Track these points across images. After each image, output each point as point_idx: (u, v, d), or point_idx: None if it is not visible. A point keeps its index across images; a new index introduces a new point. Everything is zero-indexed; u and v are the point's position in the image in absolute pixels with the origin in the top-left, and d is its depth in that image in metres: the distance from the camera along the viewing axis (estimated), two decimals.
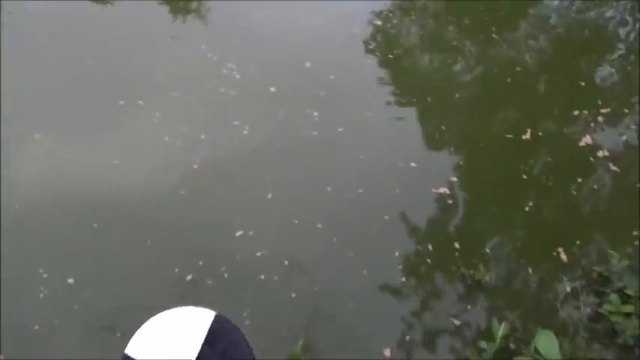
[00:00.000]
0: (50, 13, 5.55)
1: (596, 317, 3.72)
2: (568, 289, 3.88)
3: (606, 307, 3.64)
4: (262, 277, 3.69)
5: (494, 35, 5.72)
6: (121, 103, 4.79)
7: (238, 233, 3.90)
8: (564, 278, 3.94)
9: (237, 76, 5.06)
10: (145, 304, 2.84)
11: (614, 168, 4.63)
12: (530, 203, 4.36)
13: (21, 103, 4.67)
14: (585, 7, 6.31)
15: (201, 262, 3.71)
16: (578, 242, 4.15)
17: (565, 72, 5.44)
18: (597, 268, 3.94)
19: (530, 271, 3.98)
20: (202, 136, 4.59)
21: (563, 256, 4.06)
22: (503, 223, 4.29)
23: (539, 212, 4.35)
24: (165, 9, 5.89)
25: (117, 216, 3.94)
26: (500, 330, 3.38)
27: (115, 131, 4.53)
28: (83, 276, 3.62)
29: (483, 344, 3.47)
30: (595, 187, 4.53)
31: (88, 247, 3.80)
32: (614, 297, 3.64)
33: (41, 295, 3.54)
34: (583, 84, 5.25)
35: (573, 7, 6.35)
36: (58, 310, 3.48)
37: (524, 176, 4.56)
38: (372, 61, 5.39)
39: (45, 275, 3.62)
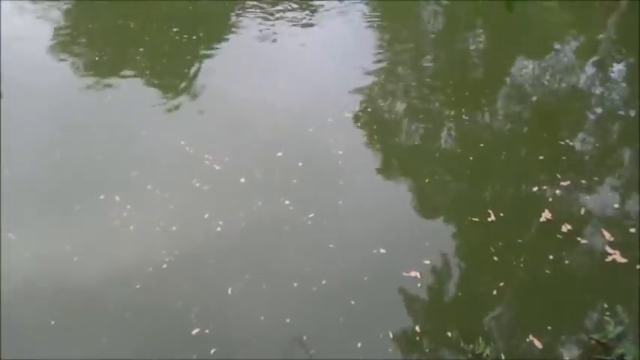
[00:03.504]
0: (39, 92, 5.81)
1: None
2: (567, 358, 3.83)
3: None
4: None
5: (463, 115, 5.95)
6: (102, 197, 4.88)
7: (195, 331, 3.85)
8: (562, 350, 3.90)
9: (215, 167, 5.20)
10: None
11: (583, 241, 4.65)
12: (502, 284, 4.35)
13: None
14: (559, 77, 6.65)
15: None
16: (550, 327, 4.08)
17: (526, 145, 5.59)
18: (595, 336, 3.91)
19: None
20: (173, 228, 4.65)
21: (537, 343, 3.99)
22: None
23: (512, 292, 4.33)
24: (151, 96, 6.16)
25: (73, 311, 3.94)
26: None
27: (82, 225, 4.60)
28: None
29: None
30: (566, 262, 4.53)
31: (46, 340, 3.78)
32: None
33: None
34: (542, 157, 5.37)
35: (546, 76, 6.67)
36: None
37: (495, 258, 4.57)
38: (347, 147, 5.54)
39: None
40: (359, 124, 5.78)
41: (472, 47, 7.55)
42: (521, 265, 4.53)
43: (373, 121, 5.91)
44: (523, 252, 4.60)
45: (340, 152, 5.37)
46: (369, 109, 6.05)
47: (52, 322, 3.91)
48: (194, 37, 7.27)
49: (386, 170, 5.33)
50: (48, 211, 4.77)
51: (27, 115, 5.80)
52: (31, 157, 5.28)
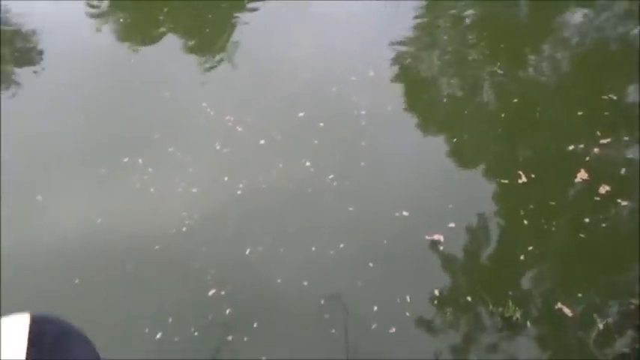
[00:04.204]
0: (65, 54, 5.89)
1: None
2: (601, 326, 3.62)
3: None
4: (230, 338, 3.61)
5: (497, 69, 5.59)
6: (126, 160, 4.93)
7: (211, 292, 3.87)
8: (595, 315, 3.69)
9: (237, 129, 5.13)
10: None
11: (623, 203, 4.33)
12: (530, 248, 4.13)
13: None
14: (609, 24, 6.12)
15: (170, 319, 3.72)
16: (582, 293, 3.86)
17: (564, 100, 5.21)
18: (635, 301, 3.70)
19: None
20: (194, 190, 4.64)
21: (567, 310, 3.79)
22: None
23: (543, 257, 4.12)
24: (178, 58, 6.11)
25: (96, 270, 4.04)
26: None
27: (106, 187, 4.67)
28: None
29: None
30: (604, 225, 4.25)
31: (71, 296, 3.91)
32: None
33: None
34: (581, 113, 5.00)
35: (595, 23, 6.15)
36: None
37: (525, 221, 4.33)
38: (374, 106, 5.35)
39: None
40: (383, 83, 5.52)
41: None
42: (553, 228, 4.28)
43: (398, 80, 5.64)
44: (556, 215, 4.34)
45: (363, 112, 5.16)
46: (395, 68, 5.77)
47: (77, 281, 4.02)
48: None
49: (410, 131, 5.10)
50: (75, 174, 4.86)
51: (55, 77, 5.90)
52: (59, 119, 5.37)
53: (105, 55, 6.18)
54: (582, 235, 4.23)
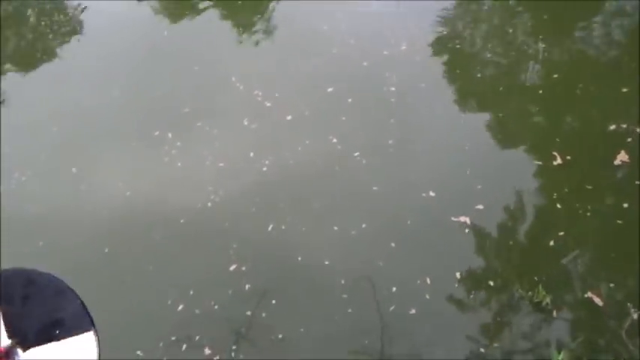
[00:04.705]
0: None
1: None
2: (635, 316, 3.51)
3: None
4: (248, 313, 3.66)
5: (538, 42, 5.28)
6: (156, 133, 5.00)
7: (232, 267, 3.91)
8: (629, 305, 3.57)
9: (265, 104, 5.10)
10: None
11: None
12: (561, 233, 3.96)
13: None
14: None
15: (191, 292, 3.80)
16: (616, 282, 3.69)
17: (608, 76, 4.89)
18: None
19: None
20: (221, 164, 4.67)
21: (597, 300, 3.64)
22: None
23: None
24: (210, 30, 6.12)
25: (124, 240, 4.17)
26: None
27: (136, 161, 4.77)
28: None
29: None
30: None
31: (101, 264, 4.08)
32: None
33: None
34: (625, 90, 4.68)
35: None
36: None
37: (559, 205, 4.15)
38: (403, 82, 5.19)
39: None
40: (415, 59, 5.34)
41: None
42: (589, 214, 4.08)
43: (430, 55, 5.44)
44: (592, 199, 4.13)
45: (393, 89, 5.02)
46: (427, 42, 5.56)
47: (106, 250, 4.15)
48: None
49: (442, 109, 4.93)
50: (107, 147, 4.96)
51: (92, 50, 6.01)
52: (94, 92, 5.48)
53: (141, 28, 6.23)
54: (620, 222, 4.03)
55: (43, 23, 6.54)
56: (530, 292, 3.69)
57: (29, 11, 6.66)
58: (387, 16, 5.87)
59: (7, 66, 6.02)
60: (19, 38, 6.43)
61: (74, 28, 6.45)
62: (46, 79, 5.79)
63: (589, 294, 3.66)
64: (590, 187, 4.19)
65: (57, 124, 5.16)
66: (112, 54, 5.89)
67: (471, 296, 3.73)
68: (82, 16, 6.55)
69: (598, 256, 3.94)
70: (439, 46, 5.54)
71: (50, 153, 4.90)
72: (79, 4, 6.67)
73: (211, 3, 6.53)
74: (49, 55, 6.14)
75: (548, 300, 3.63)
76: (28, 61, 6.07)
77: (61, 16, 6.62)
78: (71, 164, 4.79)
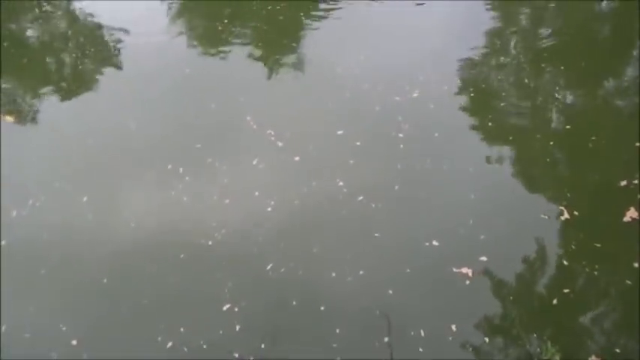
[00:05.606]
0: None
1: None
2: None
3: None
4: (236, 355, 3.62)
5: (555, 93, 5.23)
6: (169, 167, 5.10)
7: (225, 307, 3.90)
8: None
9: (278, 144, 5.17)
10: None
11: None
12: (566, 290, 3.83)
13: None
14: None
15: (182, 329, 3.79)
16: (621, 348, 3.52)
17: (623, 129, 4.78)
18: None
19: None
20: (226, 201, 4.72)
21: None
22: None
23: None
24: (226, 69, 6.28)
25: (123, 272, 4.22)
26: None
27: (144, 193, 4.85)
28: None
29: None
30: None
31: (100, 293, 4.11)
32: None
33: None
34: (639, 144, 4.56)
35: None
36: None
37: (565, 262, 4.02)
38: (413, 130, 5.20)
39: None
40: (425, 107, 5.36)
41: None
42: (596, 272, 3.94)
43: (439, 106, 5.44)
44: (600, 257, 4.00)
45: (401, 135, 5.03)
46: (439, 93, 5.58)
47: (105, 280, 4.20)
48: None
49: (449, 158, 4.89)
50: (119, 178, 5.07)
51: (111, 83, 6.23)
52: (109, 124, 5.64)
53: (163, 65, 6.44)
54: (629, 282, 3.87)
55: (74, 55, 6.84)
56: (538, 349, 3.59)
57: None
58: (403, 62, 5.94)
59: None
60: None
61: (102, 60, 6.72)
62: (68, 107, 5.98)
63: (592, 358, 3.50)
64: (598, 245, 4.06)
65: (74, 152, 5.31)
66: (132, 88, 6.08)
67: (466, 349, 3.62)
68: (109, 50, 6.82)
69: (605, 317, 3.78)
70: (453, 95, 5.56)
71: (65, 180, 5.04)
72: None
73: (239, 41, 6.74)
74: (72, 85, 6.38)
75: (557, 358, 3.51)
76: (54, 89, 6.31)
77: (92, 49, 6.92)
78: (83, 193, 4.90)
